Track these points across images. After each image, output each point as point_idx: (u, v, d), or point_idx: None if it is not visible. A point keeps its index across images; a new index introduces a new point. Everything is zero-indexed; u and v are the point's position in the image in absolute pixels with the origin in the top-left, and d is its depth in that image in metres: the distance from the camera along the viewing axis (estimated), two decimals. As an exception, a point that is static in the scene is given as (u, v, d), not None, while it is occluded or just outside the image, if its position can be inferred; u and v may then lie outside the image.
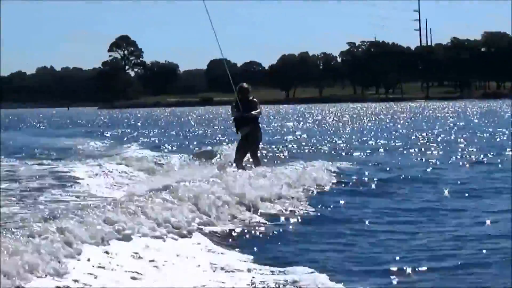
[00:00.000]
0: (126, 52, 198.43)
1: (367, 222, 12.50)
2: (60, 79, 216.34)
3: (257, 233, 11.71)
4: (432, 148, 28.08)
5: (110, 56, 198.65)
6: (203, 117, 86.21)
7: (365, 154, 26.70)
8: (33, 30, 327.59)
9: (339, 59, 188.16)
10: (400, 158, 24.30)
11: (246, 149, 18.71)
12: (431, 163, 22.33)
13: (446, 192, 15.80)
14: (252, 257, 9.94)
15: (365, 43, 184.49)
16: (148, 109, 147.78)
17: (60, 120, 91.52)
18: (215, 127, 56.08)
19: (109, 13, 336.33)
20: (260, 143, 19.21)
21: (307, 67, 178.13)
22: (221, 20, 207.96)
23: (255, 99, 18.73)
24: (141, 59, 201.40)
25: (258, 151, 19.13)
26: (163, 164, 22.65)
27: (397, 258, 9.82)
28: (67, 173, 20.44)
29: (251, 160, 18.98)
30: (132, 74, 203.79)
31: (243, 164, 18.52)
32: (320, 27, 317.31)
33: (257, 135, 18.58)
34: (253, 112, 18.39)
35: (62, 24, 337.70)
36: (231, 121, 19.53)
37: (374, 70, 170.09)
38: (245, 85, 18.89)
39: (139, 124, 71.04)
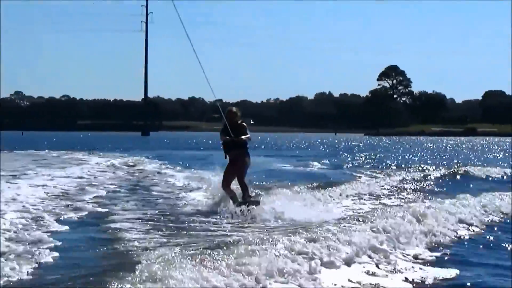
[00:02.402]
0: (394, 81, 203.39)
1: None
2: (336, 104, 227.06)
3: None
4: None
5: (379, 85, 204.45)
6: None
7: None
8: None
9: None
10: None
11: (234, 174, 18.21)
12: None
13: None
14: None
15: None
16: (412, 137, 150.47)
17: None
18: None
19: (380, 43, 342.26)
20: (248, 169, 18.50)
21: None
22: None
23: (244, 123, 18.47)
24: (409, 88, 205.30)
25: (245, 176, 18.28)
26: None
27: None
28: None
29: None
30: (400, 103, 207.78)
31: (231, 189, 18.26)
32: None
33: (245, 160, 18.22)
34: (242, 137, 18.18)
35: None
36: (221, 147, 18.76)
37: None
38: (234, 109, 18.68)
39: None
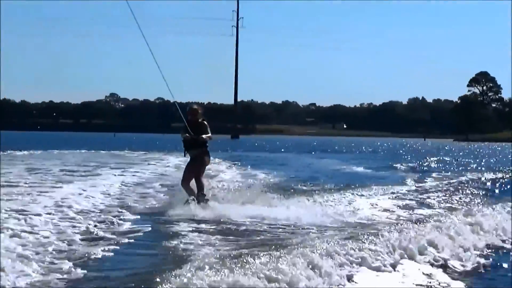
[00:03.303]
0: (484, 87, 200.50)
1: None
2: (429, 109, 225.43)
3: None
4: None
5: (469, 91, 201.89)
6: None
7: None
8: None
9: None
10: None
11: (193, 172, 18.14)
12: None
13: None
14: None
15: None
16: (502, 144, 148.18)
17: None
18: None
19: (472, 48, 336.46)
20: (207, 167, 18.68)
21: None
22: None
23: (205, 122, 18.31)
24: (499, 95, 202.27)
25: (203, 175, 18.40)
26: None
27: None
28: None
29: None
30: (490, 109, 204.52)
31: (191, 186, 18.22)
32: None
33: (204, 159, 18.15)
34: (203, 136, 18.05)
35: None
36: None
37: None
38: (195, 106, 18.58)
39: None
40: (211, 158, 18.96)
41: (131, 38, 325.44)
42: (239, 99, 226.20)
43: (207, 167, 18.77)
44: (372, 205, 20.23)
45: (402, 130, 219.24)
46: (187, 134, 18.07)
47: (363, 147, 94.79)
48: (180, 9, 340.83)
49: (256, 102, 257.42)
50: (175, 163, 40.45)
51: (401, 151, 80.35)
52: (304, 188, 25.68)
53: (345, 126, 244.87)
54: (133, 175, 29.25)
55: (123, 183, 24.79)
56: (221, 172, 33.33)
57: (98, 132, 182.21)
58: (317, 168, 41.53)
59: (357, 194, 23.10)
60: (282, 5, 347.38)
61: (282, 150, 77.93)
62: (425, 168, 43.68)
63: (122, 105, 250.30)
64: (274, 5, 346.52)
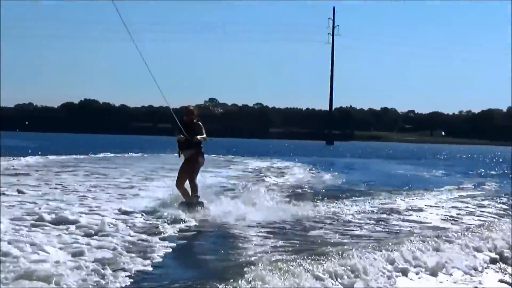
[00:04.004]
0: None
1: None
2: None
3: None
4: None
5: None
6: None
7: None
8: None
9: None
10: None
11: (187, 173, 18.11)
12: None
13: None
14: None
15: None
16: None
17: None
18: None
19: None
20: (201, 168, 18.56)
21: None
22: None
23: (199, 123, 18.25)
24: None
25: (197, 176, 18.33)
26: None
27: None
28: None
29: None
30: None
31: (185, 187, 18.18)
32: None
33: (198, 160, 18.11)
34: (198, 137, 18.01)
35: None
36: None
37: None
38: (191, 107, 18.50)
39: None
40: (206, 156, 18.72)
41: (231, 44, 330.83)
42: (338, 105, 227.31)
43: (201, 168, 18.57)
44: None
45: (502, 139, 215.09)
46: (181, 135, 17.94)
47: (464, 155, 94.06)
48: (278, 16, 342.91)
49: (355, 109, 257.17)
50: (255, 165, 42.46)
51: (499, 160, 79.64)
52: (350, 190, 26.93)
53: (443, 134, 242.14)
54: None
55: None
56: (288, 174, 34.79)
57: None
58: (389, 173, 42.41)
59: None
60: (380, 11, 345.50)
61: (373, 156, 78.32)
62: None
63: (221, 110, 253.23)
64: (370, 11, 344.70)
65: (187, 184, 18.19)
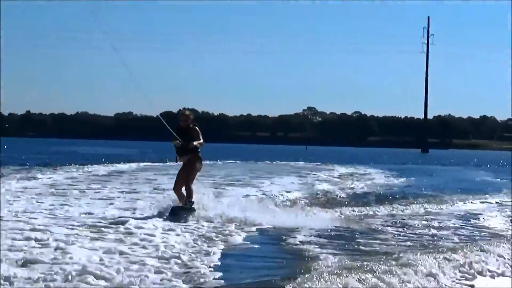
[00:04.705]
0: None
1: None
2: None
3: None
4: None
5: None
6: None
7: None
8: None
9: None
10: None
11: (184, 177, 18.12)
12: None
13: None
14: None
15: None
16: None
17: None
18: None
19: None
20: (198, 173, 18.52)
21: None
22: None
23: (196, 127, 18.15)
24: None
25: (194, 181, 18.30)
26: None
27: None
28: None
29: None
30: None
31: (182, 192, 18.15)
32: None
33: (195, 164, 18.05)
34: (194, 143, 17.92)
35: None
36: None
37: None
38: (186, 112, 18.39)
39: None
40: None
41: (330, 55, 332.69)
42: (436, 114, 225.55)
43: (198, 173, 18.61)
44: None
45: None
46: (178, 141, 18.00)
47: None
48: (373, 27, 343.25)
49: (454, 117, 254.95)
50: (340, 172, 45.11)
51: None
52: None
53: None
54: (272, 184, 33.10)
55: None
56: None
57: (293, 146, 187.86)
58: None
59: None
60: (476, 16, 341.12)
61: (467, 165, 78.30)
62: None
63: (319, 119, 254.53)
64: (465, 17, 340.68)
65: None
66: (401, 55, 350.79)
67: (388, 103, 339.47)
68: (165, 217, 17.16)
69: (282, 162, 62.18)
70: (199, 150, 18.12)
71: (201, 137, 18.01)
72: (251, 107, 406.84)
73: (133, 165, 46.84)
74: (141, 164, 48.34)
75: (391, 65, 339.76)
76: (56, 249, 12.31)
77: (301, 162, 63.36)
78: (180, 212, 17.42)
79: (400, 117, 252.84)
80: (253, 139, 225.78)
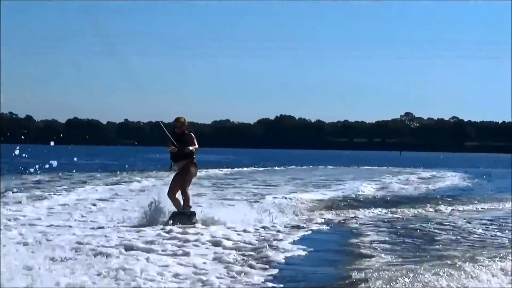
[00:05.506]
0: None
1: None
2: None
3: None
4: None
5: None
6: None
7: None
8: None
9: None
10: None
11: (179, 183, 18.06)
12: None
13: None
14: None
15: None
16: None
17: None
18: None
19: None
20: (193, 179, 18.47)
21: None
22: None
23: (191, 133, 18.20)
24: None
25: (189, 187, 18.19)
26: None
27: None
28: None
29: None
30: None
31: (177, 198, 18.04)
32: None
33: (190, 170, 18.04)
34: (190, 147, 17.99)
35: None
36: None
37: None
38: (181, 118, 18.31)
39: None
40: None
41: (432, 60, 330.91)
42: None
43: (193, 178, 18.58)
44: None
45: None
46: (173, 146, 18.09)
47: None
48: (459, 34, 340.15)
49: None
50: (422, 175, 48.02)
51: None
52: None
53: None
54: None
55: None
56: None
57: (389, 151, 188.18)
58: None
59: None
60: None
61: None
62: None
63: (417, 124, 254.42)
64: None
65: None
66: (499, 60, 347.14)
67: (486, 107, 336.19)
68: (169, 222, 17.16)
69: (367, 167, 65.34)
70: (194, 156, 18.26)
71: (196, 142, 18.16)
72: (348, 113, 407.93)
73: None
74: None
75: (487, 71, 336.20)
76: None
77: (384, 167, 66.10)
78: (182, 217, 17.48)
79: (498, 122, 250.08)
80: (349, 145, 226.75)
